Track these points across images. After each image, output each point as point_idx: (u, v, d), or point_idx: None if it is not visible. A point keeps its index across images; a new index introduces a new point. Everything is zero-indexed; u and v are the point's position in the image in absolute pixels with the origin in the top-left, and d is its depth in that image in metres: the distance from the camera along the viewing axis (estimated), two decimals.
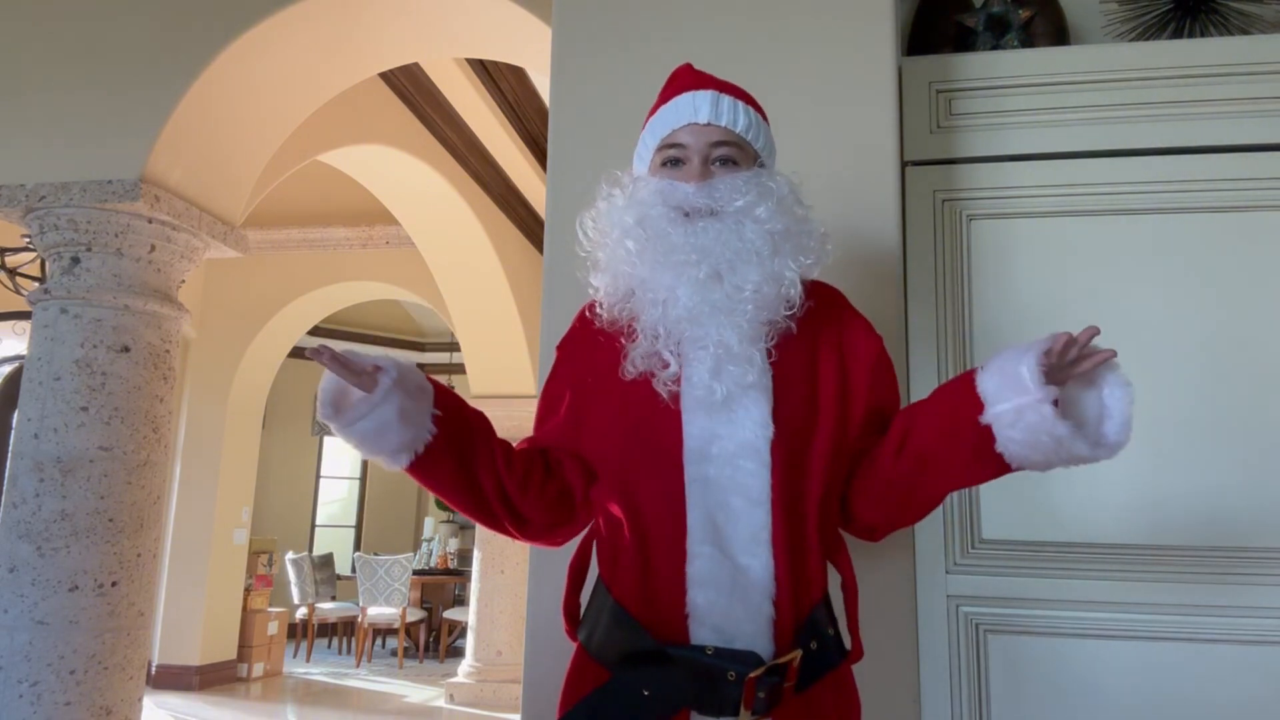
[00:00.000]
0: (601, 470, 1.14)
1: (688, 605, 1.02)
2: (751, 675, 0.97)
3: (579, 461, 1.17)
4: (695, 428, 1.06)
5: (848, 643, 1.15)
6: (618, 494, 1.10)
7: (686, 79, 1.14)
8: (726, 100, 1.09)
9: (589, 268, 1.14)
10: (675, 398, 1.07)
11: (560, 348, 1.23)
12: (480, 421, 1.15)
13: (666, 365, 1.06)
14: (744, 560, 1.02)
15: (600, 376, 1.13)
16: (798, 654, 1.02)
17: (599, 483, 1.14)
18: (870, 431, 1.15)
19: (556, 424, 1.19)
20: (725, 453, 1.04)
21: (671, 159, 1.11)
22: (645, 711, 1.02)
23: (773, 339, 1.08)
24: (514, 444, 1.18)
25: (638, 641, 1.04)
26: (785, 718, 1.01)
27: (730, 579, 1.02)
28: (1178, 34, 1.93)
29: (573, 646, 1.16)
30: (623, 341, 1.10)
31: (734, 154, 1.10)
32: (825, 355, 1.13)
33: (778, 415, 1.06)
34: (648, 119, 1.17)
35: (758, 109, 1.14)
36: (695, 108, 1.09)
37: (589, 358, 1.16)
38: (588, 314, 1.17)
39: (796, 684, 1.02)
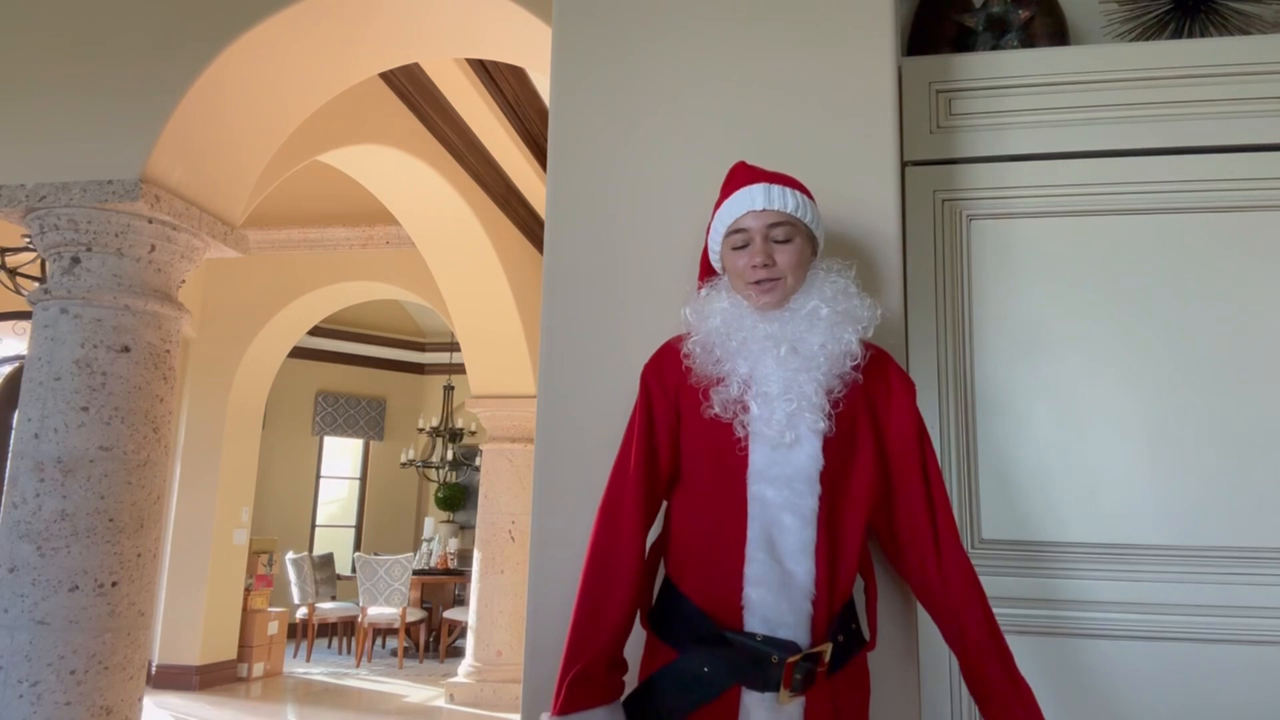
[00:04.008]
0: (685, 487, 1.35)
1: (743, 599, 1.23)
2: (790, 660, 1.19)
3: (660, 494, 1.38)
4: (760, 456, 1.27)
5: (866, 634, 1.36)
6: (696, 507, 1.32)
7: (743, 176, 1.38)
8: (776, 189, 1.33)
9: (687, 328, 1.37)
10: (745, 429, 1.28)
11: (651, 374, 1.40)
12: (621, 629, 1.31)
13: (747, 409, 1.28)
14: (792, 566, 1.23)
15: (690, 407, 1.34)
16: (829, 646, 1.24)
17: (679, 496, 1.35)
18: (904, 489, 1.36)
19: (666, 456, 1.35)
20: (783, 477, 1.26)
21: (739, 241, 1.34)
22: (704, 685, 1.24)
23: (841, 390, 1.29)
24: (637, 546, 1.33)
25: (701, 627, 1.26)
26: (816, 695, 1.23)
27: (779, 580, 1.23)
28: (1178, 34, 1.93)
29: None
30: (706, 385, 1.31)
31: (788, 230, 1.32)
32: (864, 405, 1.34)
33: (828, 449, 1.27)
34: (715, 211, 1.40)
35: (803, 190, 1.37)
36: (752, 198, 1.33)
37: (682, 389, 1.35)
38: (681, 352, 1.36)
39: (827, 669, 1.23)
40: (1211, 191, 1.63)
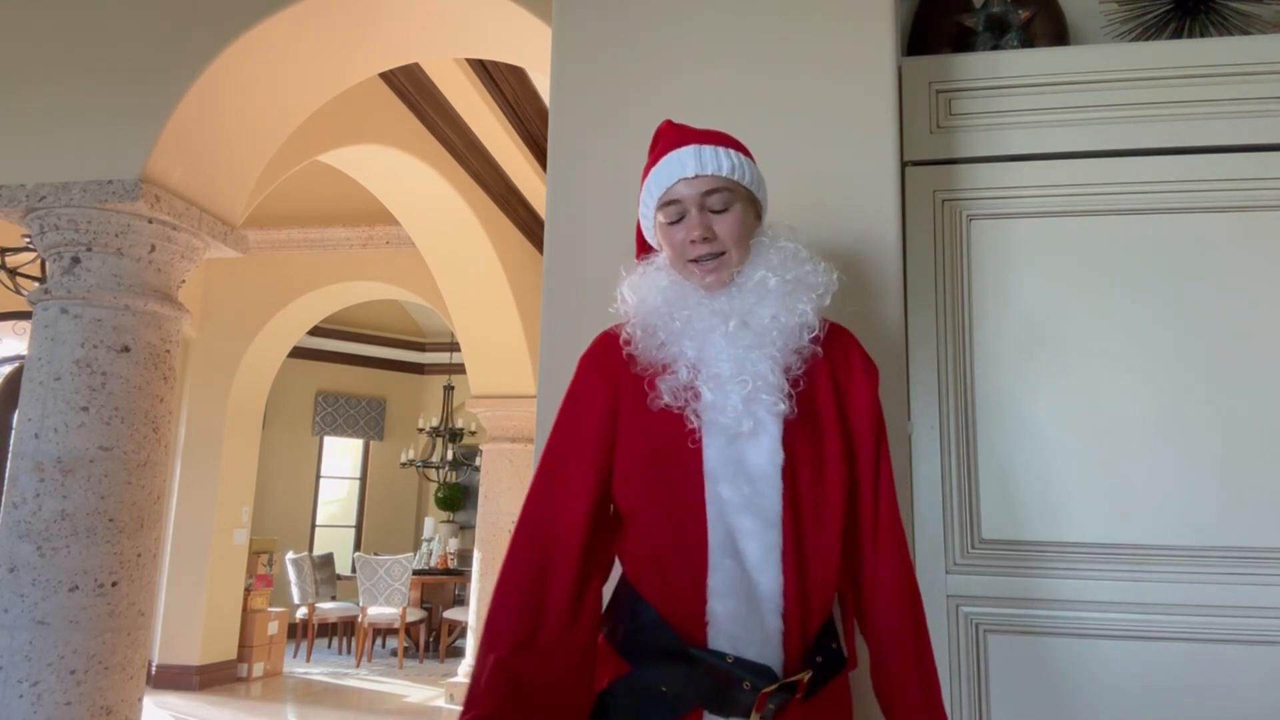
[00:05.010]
0: (632, 485, 1.19)
1: (707, 614, 1.09)
2: (766, 690, 1.05)
3: (606, 514, 1.22)
4: (714, 450, 1.13)
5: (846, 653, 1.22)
6: (646, 507, 1.17)
7: (670, 137, 1.23)
8: (708, 150, 1.18)
9: (624, 314, 1.24)
10: (698, 418, 1.15)
11: (589, 364, 1.25)
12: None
13: (699, 396, 1.14)
14: (757, 576, 1.10)
15: (634, 400, 1.19)
16: (808, 674, 1.10)
17: (632, 497, 1.19)
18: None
19: (592, 459, 1.19)
20: (741, 473, 1.12)
21: (672, 214, 1.20)
22: (661, 706, 1.10)
23: (800, 367, 1.17)
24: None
25: (664, 640, 1.11)
26: None
27: (747, 592, 1.09)
28: (1178, 34, 1.93)
29: None
30: (651, 373, 1.18)
31: (725, 196, 1.18)
32: (827, 383, 1.21)
33: (788, 442, 1.14)
34: (643, 177, 1.26)
35: (739, 148, 1.23)
36: (682, 164, 1.18)
37: (624, 380, 1.21)
38: (620, 342, 1.22)
39: (804, 695, 1.10)
40: (1211, 191, 1.63)
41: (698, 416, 1.14)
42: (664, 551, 1.14)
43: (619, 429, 1.19)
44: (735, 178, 1.18)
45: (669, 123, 1.27)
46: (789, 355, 1.15)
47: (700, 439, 1.14)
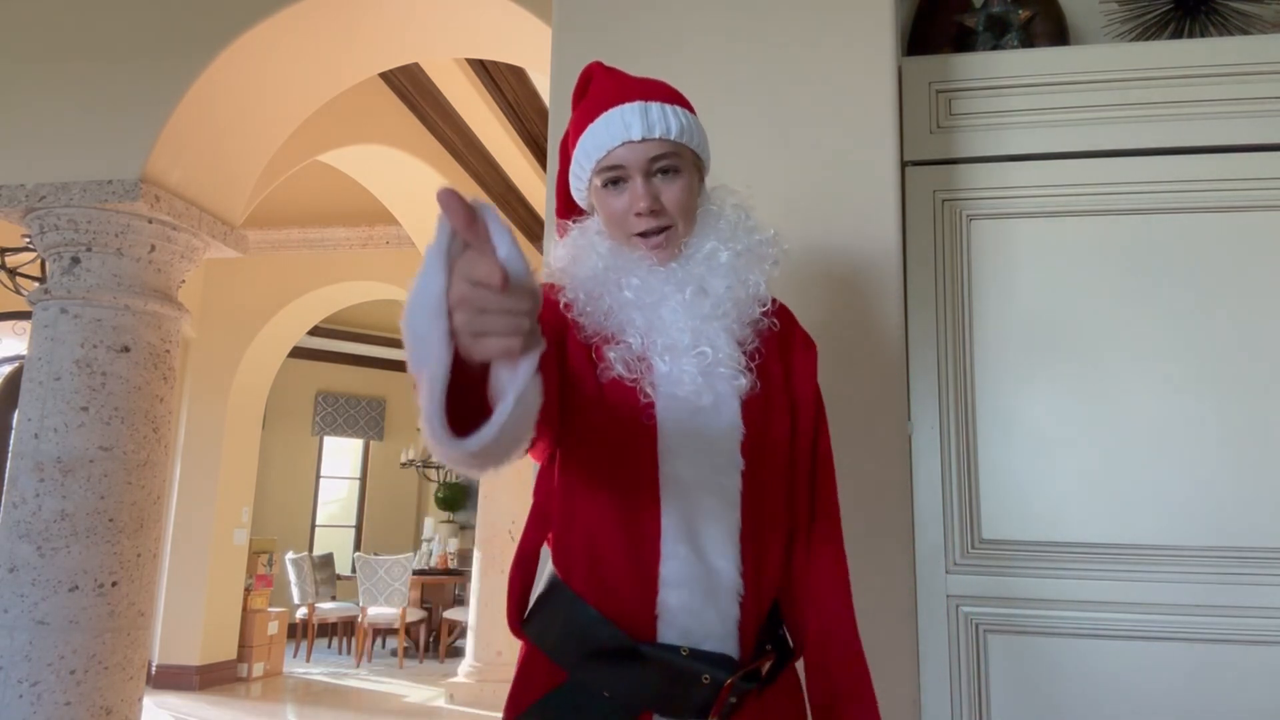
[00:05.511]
0: (576, 467, 1.07)
1: (658, 606, 0.99)
2: (728, 681, 0.97)
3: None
4: (671, 425, 1.03)
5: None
6: (593, 491, 1.05)
7: (608, 88, 1.11)
8: (655, 109, 1.07)
9: (558, 279, 1.11)
10: (653, 390, 1.04)
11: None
12: None
13: (653, 369, 1.04)
14: (715, 561, 1.01)
15: (579, 367, 1.06)
16: (769, 660, 1.03)
17: (568, 477, 1.07)
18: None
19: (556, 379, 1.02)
20: (701, 450, 1.03)
21: (612, 180, 1.08)
22: (605, 714, 0.99)
23: (754, 342, 1.09)
24: None
25: (605, 639, 1.00)
26: None
27: (704, 580, 1.00)
28: (1178, 34, 1.93)
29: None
30: (596, 341, 1.06)
31: (673, 162, 1.07)
32: (778, 358, 1.14)
33: (746, 417, 1.05)
34: (574, 128, 1.13)
35: (684, 104, 1.12)
36: (626, 125, 1.06)
37: (566, 336, 1.07)
38: (561, 304, 1.08)
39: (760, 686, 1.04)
40: (1212, 191, 1.63)
41: (653, 388, 1.03)
42: (606, 539, 1.02)
43: (571, 394, 1.05)
44: (684, 140, 1.07)
45: (600, 66, 1.14)
46: (743, 328, 1.07)
47: (655, 414, 1.03)
